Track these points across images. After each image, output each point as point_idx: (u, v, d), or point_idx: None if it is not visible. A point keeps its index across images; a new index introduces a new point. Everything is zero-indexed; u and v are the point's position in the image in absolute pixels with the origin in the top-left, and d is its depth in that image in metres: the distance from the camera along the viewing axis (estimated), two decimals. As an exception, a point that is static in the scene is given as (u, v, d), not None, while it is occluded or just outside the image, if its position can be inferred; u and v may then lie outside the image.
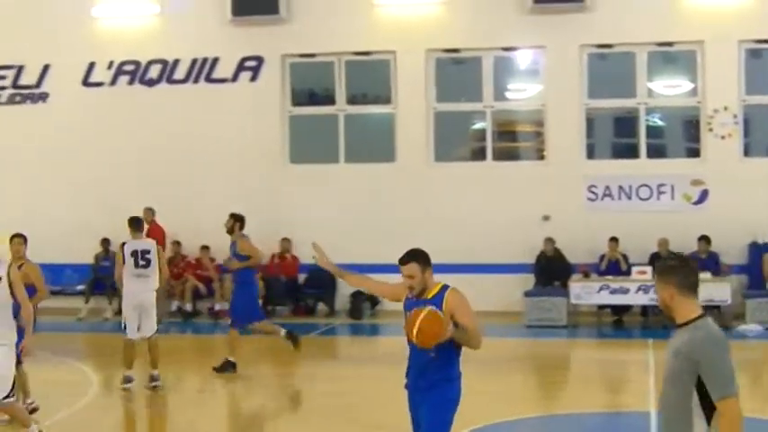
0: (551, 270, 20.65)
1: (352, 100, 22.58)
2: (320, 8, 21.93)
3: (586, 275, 20.16)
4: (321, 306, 22.13)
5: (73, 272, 22.83)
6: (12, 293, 9.86)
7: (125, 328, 14.20)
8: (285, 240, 21.85)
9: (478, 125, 22.79)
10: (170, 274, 21.67)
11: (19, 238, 12.63)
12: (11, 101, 23.66)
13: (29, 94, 23.58)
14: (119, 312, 21.04)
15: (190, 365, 17.46)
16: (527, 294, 20.20)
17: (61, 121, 23.01)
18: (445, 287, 7.49)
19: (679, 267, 5.47)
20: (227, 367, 15.27)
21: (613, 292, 19.60)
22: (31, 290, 11.16)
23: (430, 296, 7.41)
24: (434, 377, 7.45)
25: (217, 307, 21.64)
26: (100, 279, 22.06)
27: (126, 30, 22.99)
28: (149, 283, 14.32)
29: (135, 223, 14.79)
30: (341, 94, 22.44)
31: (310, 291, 22.18)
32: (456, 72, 22.53)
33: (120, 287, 14.61)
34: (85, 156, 22.77)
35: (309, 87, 23.36)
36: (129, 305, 14.24)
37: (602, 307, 20.39)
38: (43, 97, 23.51)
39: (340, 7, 21.96)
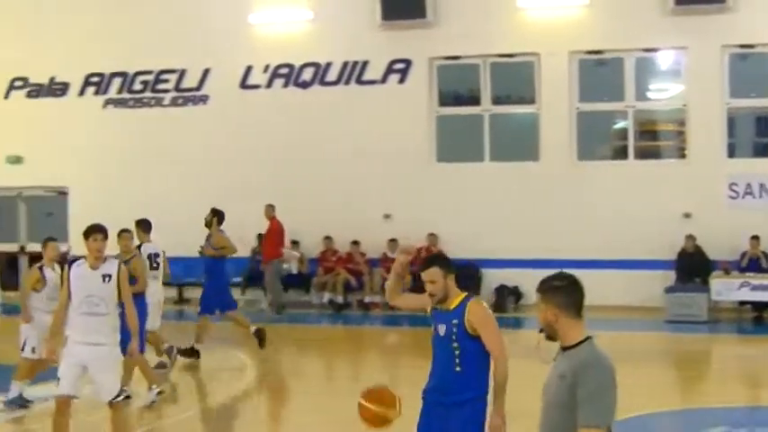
0: (692, 266, 20.72)
1: (496, 100, 22.98)
2: (466, 12, 22.37)
3: (727, 272, 20.18)
4: (466, 299, 22.47)
5: (231, 264, 23.68)
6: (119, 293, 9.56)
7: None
8: (431, 236, 22.33)
9: (620, 124, 23.01)
10: (322, 268, 22.62)
11: (127, 233, 13.65)
12: (174, 103, 24.75)
13: (190, 96, 24.61)
14: (272, 304, 21.99)
15: (341, 355, 18.12)
16: (668, 290, 20.37)
17: (220, 122, 23.99)
18: (467, 298, 7.02)
19: (564, 287, 5.18)
20: (191, 353, 15.78)
21: (754, 288, 19.66)
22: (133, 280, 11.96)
23: (452, 307, 6.99)
24: (463, 395, 6.99)
25: (367, 299, 22.32)
26: (256, 272, 22.95)
27: (281, 35, 23.82)
28: (159, 284, 15.10)
29: (145, 226, 15.16)
30: (486, 94, 22.87)
31: (457, 282, 22.49)
32: (598, 73, 22.71)
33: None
34: (243, 155, 23.64)
35: (455, 88, 23.78)
36: (153, 302, 14.50)
37: (742, 303, 20.44)
38: (204, 99, 24.50)
39: (485, 11, 22.36)
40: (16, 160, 25.66)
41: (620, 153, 23.02)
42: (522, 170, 22.52)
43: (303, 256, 23.05)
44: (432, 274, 6.99)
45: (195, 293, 23.04)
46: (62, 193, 25.82)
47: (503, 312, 21.59)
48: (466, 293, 7.06)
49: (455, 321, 6.94)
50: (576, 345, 5.07)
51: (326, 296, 22.70)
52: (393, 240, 22.41)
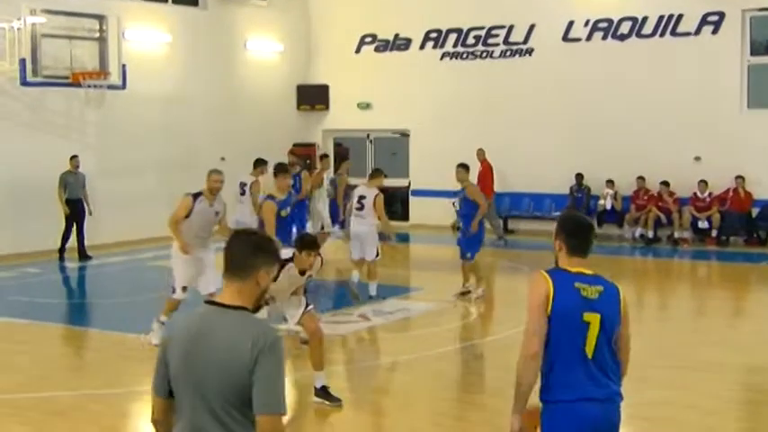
0: None
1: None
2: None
3: None
4: (772, 238, 22.16)
5: (551, 200, 24.43)
6: None
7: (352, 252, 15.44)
8: (739, 178, 22.04)
9: None
10: (634, 205, 22.86)
11: (461, 168, 15.38)
12: (502, 55, 25.52)
13: (517, 49, 25.29)
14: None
15: (650, 285, 18.46)
16: None
17: (544, 73, 24.57)
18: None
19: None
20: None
21: None
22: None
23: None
24: (614, 386, 5.16)
25: (676, 234, 22.41)
26: (573, 208, 23.48)
27: (601, -10, 24.04)
28: (364, 221, 15.19)
29: (375, 173, 15.87)
30: (798, 43, 22.17)
31: (762, 223, 22.25)
32: None
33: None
34: (564, 102, 24.19)
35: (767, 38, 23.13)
36: (352, 234, 15.48)
37: None
38: (529, 52, 25.11)
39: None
40: (366, 106, 27.42)
41: None
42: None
43: (617, 193, 23.37)
44: None
45: (517, 225, 24.17)
46: (404, 135, 27.34)
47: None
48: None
49: None
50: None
51: (638, 231, 22.97)
52: (702, 181, 22.30)
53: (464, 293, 15.52)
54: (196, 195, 11.78)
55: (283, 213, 11.81)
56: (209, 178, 11.89)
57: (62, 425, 9.19)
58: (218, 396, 3.96)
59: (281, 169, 12.21)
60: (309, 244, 9.18)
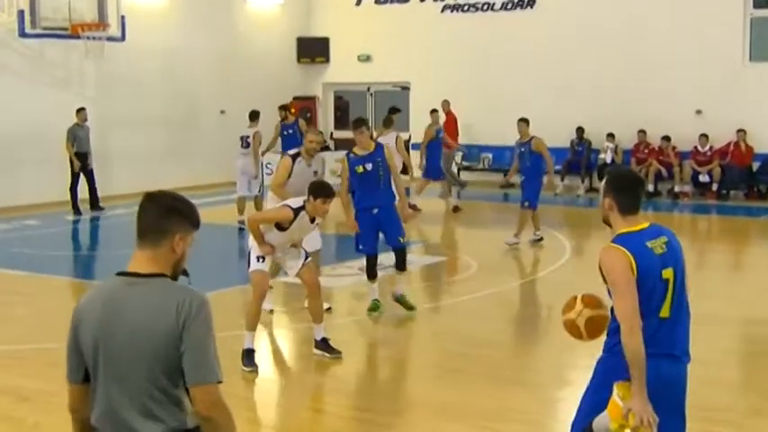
0: None
1: (812, 1, 21.93)
2: None
3: None
4: (773, 191, 22.02)
5: (552, 154, 24.14)
6: None
7: None
8: (741, 131, 21.90)
9: None
10: (635, 159, 22.73)
11: (523, 122, 15.83)
12: (504, 7, 25.23)
13: (519, 1, 24.99)
14: (590, 190, 22.54)
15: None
16: None
17: (545, 25, 24.26)
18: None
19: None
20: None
21: None
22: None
23: None
24: (685, 344, 5.14)
25: (676, 188, 22.32)
26: (574, 161, 23.40)
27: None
28: None
29: (385, 122, 16.06)
30: (802, -5, 21.87)
31: (763, 177, 22.13)
32: None
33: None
34: (565, 55, 23.92)
35: (774, -10, 22.84)
36: None
37: None
38: (530, 4, 24.82)
39: None
40: (366, 59, 27.20)
41: None
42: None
43: (618, 147, 23.22)
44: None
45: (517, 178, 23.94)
46: (405, 88, 27.13)
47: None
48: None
49: None
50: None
51: (638, 185, 22.81)
52: (703, 135, 22.16)
53: (537, 240, 16.08)
54: (294, 156, 11.02)
55: (359, 170, 11.22)
56: (305, 138, 11.26)
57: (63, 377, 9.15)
58: (139, 376, 3.58)
59: (355, 125, 11.56)
60: (326, 191, 9.03)
